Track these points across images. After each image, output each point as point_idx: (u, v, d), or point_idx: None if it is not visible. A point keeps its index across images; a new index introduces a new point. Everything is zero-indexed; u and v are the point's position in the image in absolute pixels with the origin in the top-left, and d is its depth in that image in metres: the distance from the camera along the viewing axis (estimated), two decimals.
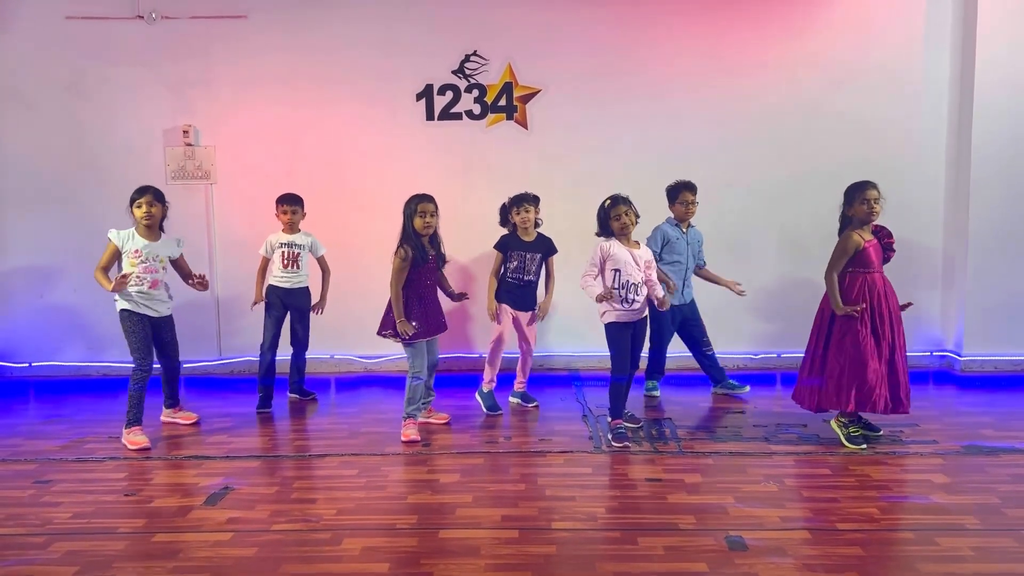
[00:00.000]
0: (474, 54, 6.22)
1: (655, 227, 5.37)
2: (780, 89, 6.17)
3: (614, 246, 4.53)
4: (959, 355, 6.16)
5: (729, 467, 4.08)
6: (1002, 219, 6.00)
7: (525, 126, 6.28)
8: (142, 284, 4.62)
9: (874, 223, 4.46)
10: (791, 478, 3.91)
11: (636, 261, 4.51)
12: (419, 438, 4.58)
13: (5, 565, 3.07)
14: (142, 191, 4.69)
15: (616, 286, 4.46)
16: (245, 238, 6.20)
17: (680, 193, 5.34)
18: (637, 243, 4.63)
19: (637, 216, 4.60)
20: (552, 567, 2.97)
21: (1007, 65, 5.89)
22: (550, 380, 5.99)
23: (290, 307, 5.44)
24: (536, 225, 5.20)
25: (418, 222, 4.57)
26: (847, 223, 4.47)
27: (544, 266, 5.21)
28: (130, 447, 4.52)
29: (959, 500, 3.58)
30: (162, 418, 5.05)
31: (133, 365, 4.60)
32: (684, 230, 5.37)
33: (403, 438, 4.56)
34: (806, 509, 3.51)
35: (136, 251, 4.63)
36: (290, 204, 5.41)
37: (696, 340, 5.55)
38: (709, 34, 6.17)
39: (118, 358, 4.94)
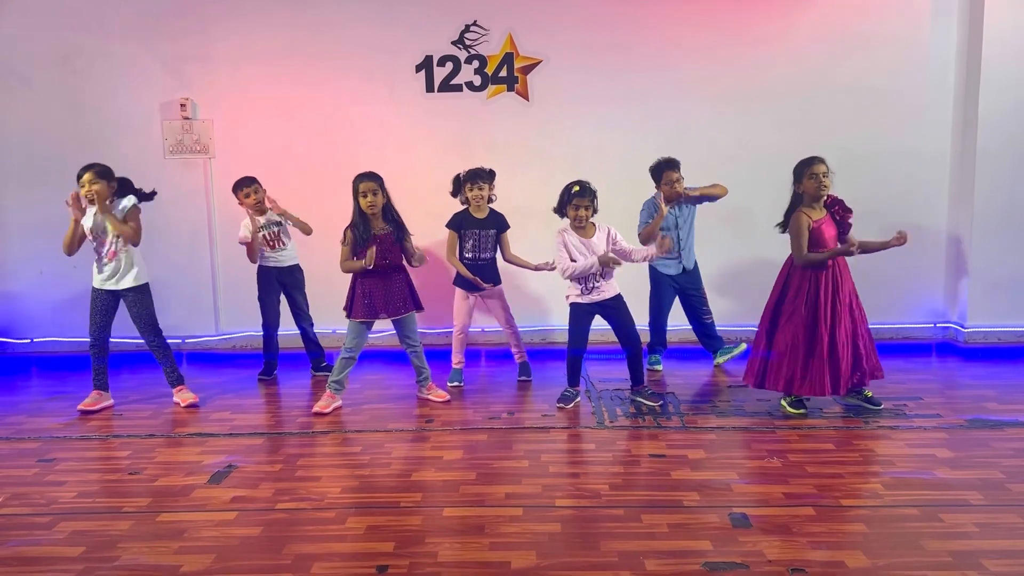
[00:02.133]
0: (474, 24, 6.13)
1: (645, 200, 5.32)
2: (784, 61, 6.09)
3: (571, 236, 4.60)
4: (963, 326, 6.14)
5: (733, 442, 4.08)
6: (1008, 190, 5.94)
7: (526, 97, 6.20)
8: (101, 260, 4.69)
9: (827, 196, 4.39)
10: (795, 453, 3.90)
11: (593, 250, 4.57)
12: (327, 411, 4.66)
13: (11, 546, 3.07)
14: (84, 168, 4.64)
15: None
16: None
17: (663, 173, 5.23)
18: (593, 225, 4.64)
19: (595, 211, 4.61)
20: (556, 545, 2.97)
21: (1015, 36, 5.79)
22: (553, 354, 5.97)
23: (285, 284, 5.45)
24: (490, 201, 5.15)
25: (362, 202, 4.56)
26: (799, 202, 4.41)
27: (499, 243, 5.15)
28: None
29: (963, 475, 3.58)
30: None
31: None
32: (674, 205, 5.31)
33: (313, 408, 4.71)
34: (810, 485, 3.50)
35: (90, 229, 4.66)
36: (248, 185, 5.30)
37: (695, 309, 5.52)
38: (712, 5, 6.06)
39: (119, 334, 4.91)
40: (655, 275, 5.44)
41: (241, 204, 5.36)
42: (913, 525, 3.10)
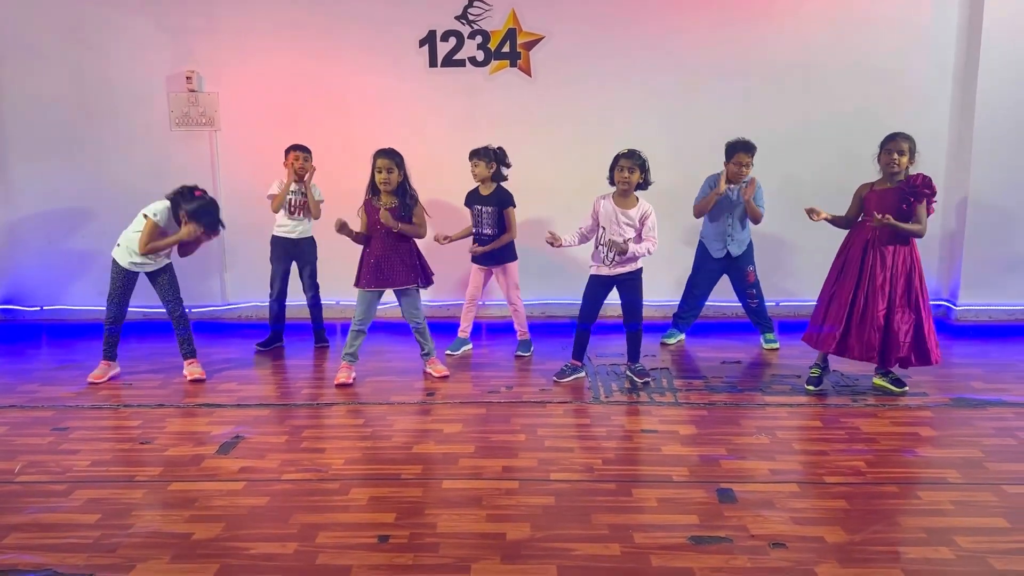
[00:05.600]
0: None
1: (709, 175, 5.41)
2: (786, 40, 6.11)
3: (604, 203, 4.69)
4: (954, 304, 6.25)
5: (723, 419, 4.22)
6: (1003, 170, 6.02)
7: (529, 73, 6.25)
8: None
9: (911, 176, 4.38)
10: (783, 430, 4.04)
11: (622, 221, 4.63)
12: (350, 381, 4.81)
13: (30, 512, 3.22)
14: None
15: (601, 243, 4.68)
16: (250, 185, 6.25)
17: (736, 153, 5.25)
18: (636, 200, 4.68)
19: (645, 175, 4.63)
20: (549, 518, 3.11)
21: (1015, 17, 5.82)
22: (552, 328, 6.09)
23: (295, 256, 5.56)
24: (501, 178, 5.27)
25: (377, 177, 4.68)
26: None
27: (504, 219, 5.26)
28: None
29: (944, 454, 3.71)
30: None
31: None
32: (733, 187, 5.33)
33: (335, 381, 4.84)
34: (796, 462, 3.65)
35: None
36: (300, 151, 5.44)
37: (741, 292, 5.59)
38: None
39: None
40: (701, 255, 5.55)
41: (285, 164, 5.48)
42: (891, 502, 3.24)
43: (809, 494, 3.31)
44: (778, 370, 5.04)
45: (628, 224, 4.63)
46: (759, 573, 2.71)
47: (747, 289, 5.55)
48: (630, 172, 4.57)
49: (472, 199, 5.33)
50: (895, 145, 4.35)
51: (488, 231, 5.26)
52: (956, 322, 6.18)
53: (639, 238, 4.65)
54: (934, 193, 4.37)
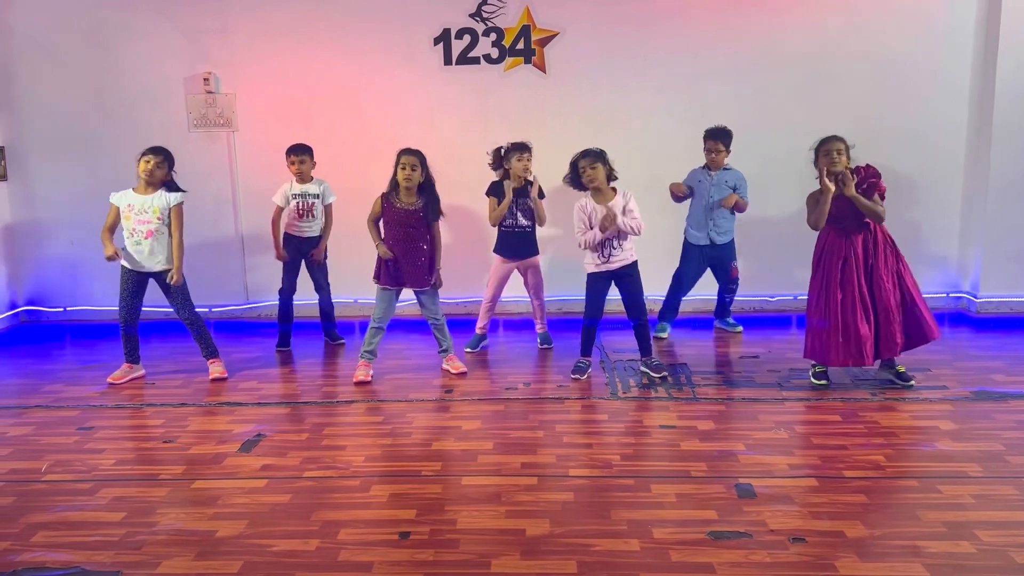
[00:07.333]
0: None
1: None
2: (801, 31, 6.07)
3: (588, 203, 4.73)
4: (975, 296, 6.20)
5: (742, 414, 4.22)
6: (1023, 161, 5.96)
7: (543, 70, 6.25)
8: (135, 236, 4.79)
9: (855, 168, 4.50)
10: (801, 424, 4.03)
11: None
12: (368, 379, 4.84)
13: (57, 511, 3.28)
14: (154, 150, 4.81)
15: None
16: (267, 185, 6.27)
17: (705, 141, 5.50)
18: (613, 190, 4.75)
19: (611, 171, 4.70)
20: (568, 514, 3.13)
21: None
22: (571, 324, 6.09)
23: (304, 255, 5.59)
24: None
25: (400, 174, 4.73)
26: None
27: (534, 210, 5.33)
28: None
29: (964, 447, 3.69)
30: None
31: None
32: (712, 174, 5.49)
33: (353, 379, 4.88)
34: (814, 456, 3.64)
35: (129, 205, 4.80)
36: (297, 154, 5.47)
37: (721, 283, 5.77)
38: None
39: (148, 303, 5.06)
40: (685, 246, 5.67)
41: (288, 168, 5.55)
42: (912, 496, 3.23)
43: (828, 489, 3.31)
44: (797, 363, 5.01)
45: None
46: (778, 568, 2.71)
47: (728, 284, 5.68)
48: (592, 169, 4.63)
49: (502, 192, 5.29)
50: (833, 145, 4.45)
51: (526, 221, 5.31)
52: (977, 314, 6.13)
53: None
54: (879, 176, 4.47)
